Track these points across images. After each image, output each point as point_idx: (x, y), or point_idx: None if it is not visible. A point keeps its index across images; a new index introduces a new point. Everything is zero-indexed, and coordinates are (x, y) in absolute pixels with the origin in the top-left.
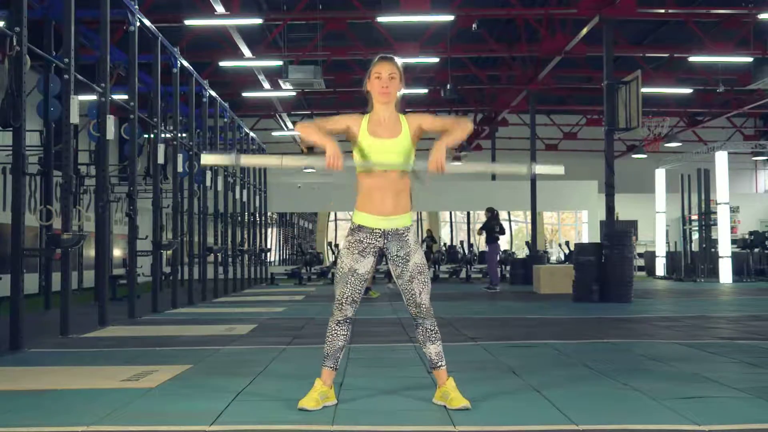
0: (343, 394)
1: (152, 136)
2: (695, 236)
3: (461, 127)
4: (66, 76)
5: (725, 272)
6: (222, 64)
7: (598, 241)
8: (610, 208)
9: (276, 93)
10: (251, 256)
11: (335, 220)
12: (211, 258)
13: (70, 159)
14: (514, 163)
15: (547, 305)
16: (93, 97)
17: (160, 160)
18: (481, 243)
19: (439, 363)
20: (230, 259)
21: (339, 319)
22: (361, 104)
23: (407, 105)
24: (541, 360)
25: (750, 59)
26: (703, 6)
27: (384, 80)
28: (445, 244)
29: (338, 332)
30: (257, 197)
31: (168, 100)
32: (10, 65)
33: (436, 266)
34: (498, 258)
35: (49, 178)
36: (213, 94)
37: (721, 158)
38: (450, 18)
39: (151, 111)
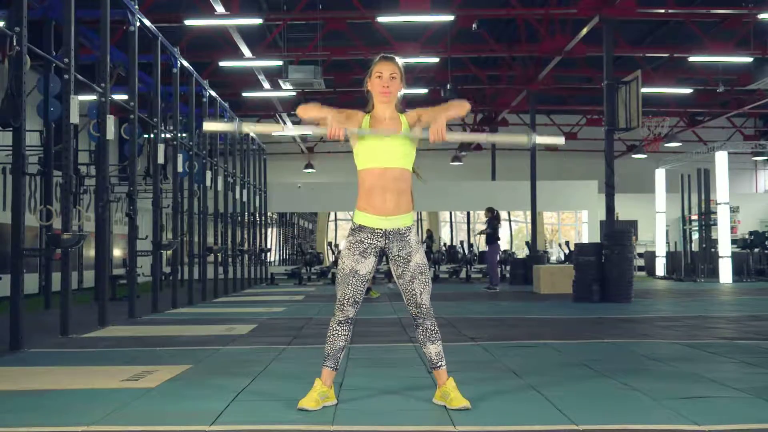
0: (343, 394)
1: (152, 136)
2: (695, 236)
3: (459, 104)
4: (66, 76)
5: (725, 272)
6: (222, 64)
7: (598, 241)
8: (610, 208)
9: (276, 93)
10: (251, 256)
11: (335, 220)
12: (211, 258)
13: (70, 159)
14: (514, 134)
15: (547, 305)
16: (93, 97)
17: (160, 160)
18: (481, 243)
19: (439, 363)
20: (230, 259)
21: (340, 319)
22: (361, 104)
23: (407, 105)
24: (541, 360)
25: (750, 59)
26: (703, 6)
27: (385, 80)
28: (444, 244)
29: (339, 332)
30: (257, 197)
31: (168, 100)
32: (10, 65)
33: (436, 266)
34: (498, 258)
35: (49, 178)
36: (213, 94)
37: (721, 158)
38: (450, 18)
39: (151, 111)
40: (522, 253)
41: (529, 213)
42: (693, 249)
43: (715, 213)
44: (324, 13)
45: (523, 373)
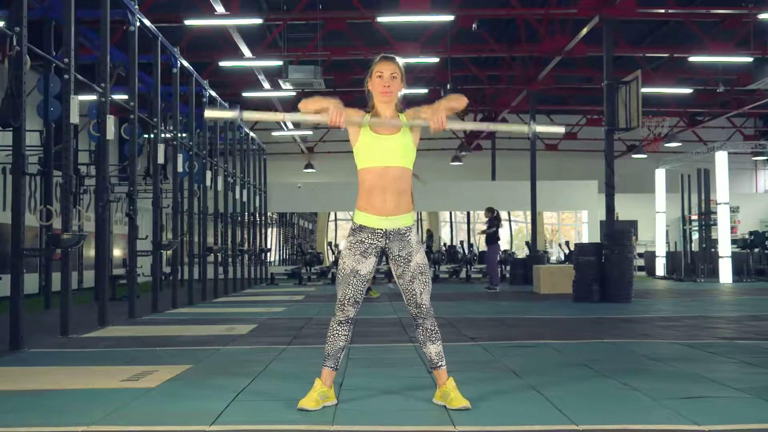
0: (343, 394)
1: (152, 136)
2: (695, 236)
3: (457, 97)
4: (66, 76)
5: (725, 272)
6: (222, 64)
7: (598, 241)
8: (610, 208)
9: (276, 93)
10: (251, 256)
11: (335, 220)
12: (211, 258)
13: (70, 159)
14: (515, 124)
15: (547, 305)
16: (93, 97)
17: (160, 160)
18: (480, 243)
19: (439, 363)
20: (230, 259)
21: (341, 319)
22: (361, 104)
23: (407, 105)
24: (541, 360)
25: (750, 59)
26: (703, 6)
27: (386, 79)
28: (444, 244)
29: (340, 332)
30: (257, 197)
31: (168, 100)
32: (10, 65)
33: (436, 266)
34: (498, 258)
35: (49, 178)
36: (213, 94)
37: (721, 158)
38: (450, 18)
39: (151, 111)
40: (522, 253)
41: (529, 213)
42: (693, 249)
43: (715, 213)
44: (324, 13)
45: (523, 373)
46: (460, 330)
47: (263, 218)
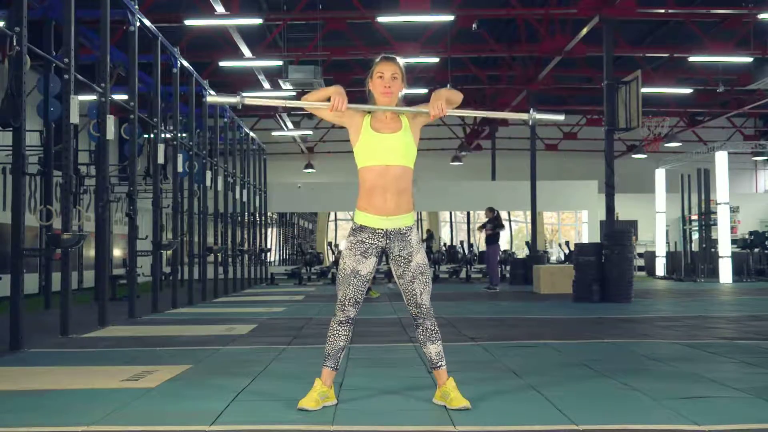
0: (343, 394)
1: (152, 136)
2: (695, 236)
3: (455, 91)
4: (66, 76)
5: (725, 272)
6: (222, 64)
7: (598, 241)
8: (610, 208)
9: (276, 93)
10: (251, 256)
11: (335, 220)
12: (211, 258)
13: (70, 159)
14: (514, 112)
15: (547, 305)
16: (93, 97)
17: (160, 160)
18: (481, 243)
19: (439, 363)
20: (230, 259)
21: (341, 319)
22: (361, 104)
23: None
24: (541, 360)
25: (750, 59)
26: (703, 6)
27: (386, 80)
28: (444, 244)
29: (340, 332)
30: (257, 197)
31: (168, 100)
32: (10, 65)
33: (436, 266)
34: (498, 258)
35: (49, 178)
36: (212, 93)
37: (721, 158)
38: (450, 18)
39: (151, 111)
40: (522, 253)
41: (529, 213)
42: (693, 249)
43: (715, 213)
44: (324, 13)
45: (523, 373)
46: (460, 330)
47: (263, 218)
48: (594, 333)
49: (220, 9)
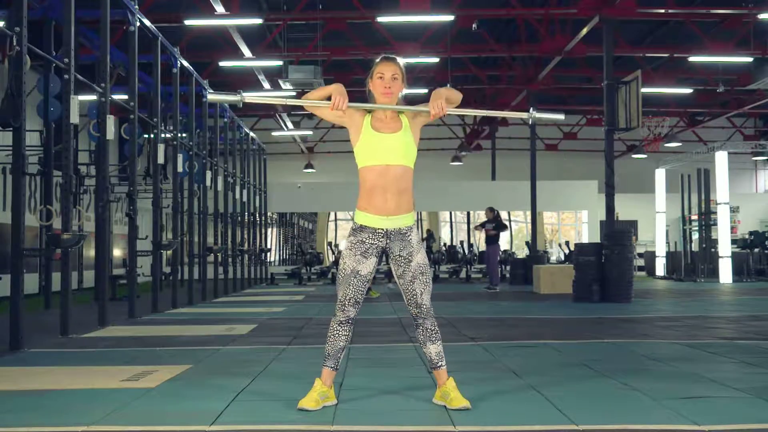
0: (343, 394)
1: (152, 136)
2: (695, 236)
3: (454, 91)
4: (66, 76)
5: (725, 272)
6: (222, 64)
7: (598, 241)
8: (610, 208)
9: (276, 93)
10: (251, 256)
11: (335, 220)
12: (211, 258)
13: (70, 159)
14: (515, 123)
15: (547, 305)
16: (93, 97)
17: (160, 160)
18: (480, 243)
19: (439, 363)
20: (230, 259)
21: (341, 319)
22: (361, 103)
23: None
24: (541, 360)
25: (750, 59)
26: (703, 6)
27: (387, 80)
28: (444, 244)
29: (340, 332)
30: (257, 197)
31: (168, 100)
32: (10, 65)
33: (436, 266)
34: (498, 258)
35: (49, 178)
36: (213, 92)
37: (721, 158)
38: (450, 18)
39: (151, 111)
40: (522, 253)
41: (529, 213)
42: (693, 249)
43: (715, 213)
44: (324, 13)
45: (523, 373)
46: (460, 330)
47: (263, 218)
48: (594, 333)
49: (220, 9)
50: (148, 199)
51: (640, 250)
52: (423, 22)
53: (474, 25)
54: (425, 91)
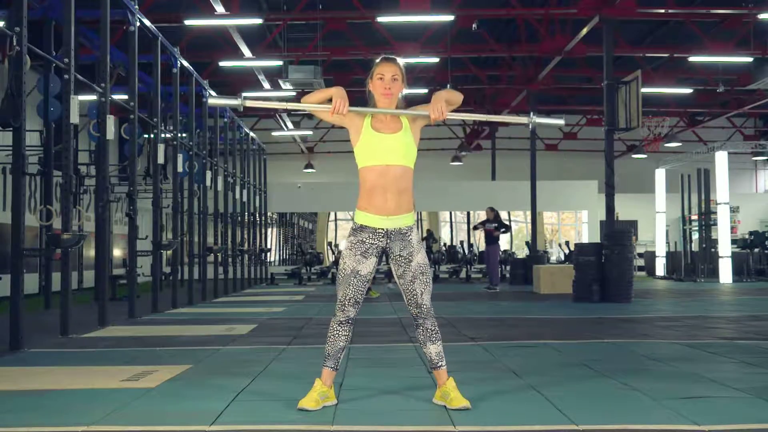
0: (343, 394)
1: (152, 136)
2: (695, 236)
3: (455, 92)
4: (66, 76)
5: (725, 272)
6: (222, 64)
7: (598, 241)
8: (610, 208)
9: (276, 93)
10: (251, 256)
11: (335, 220)
12: (211, 258)
13: (70, 159)
14: (515, 115)
15: (547, 305)
16: (93, 97)
17: (160, 160)
18: (480, 243)
19: (440, 363)
20: (230, 259)
21: (341, 319)
22: (361, 104)
23: (408, 104)
24: (541, 360)
25: (750, 59)
26: (703, 6)
27: (387, 81)
28: (444, 244)
29: (340, 333)
30: (257, 197)
31: (168, 100)
32: (10, 65)
33: (436, 266)
34: (498, 258)
35: (49, 178)
36: (213, 94)
37: (721, 158)
38: (450, 18)
39: (151, 111)
40: (522, 253)
41: (529, 213)
42: (693, 249)
43: (715, 213)
44: (324, 13)
45: (523, 373)
46: (460, 330)
47: (263, 218)
48: (594, 333)
49: (220, 9)
50: (148, 199)
51: (640, 250)
52: (423, 22)
53: (474, 25)
54: (425, 91)
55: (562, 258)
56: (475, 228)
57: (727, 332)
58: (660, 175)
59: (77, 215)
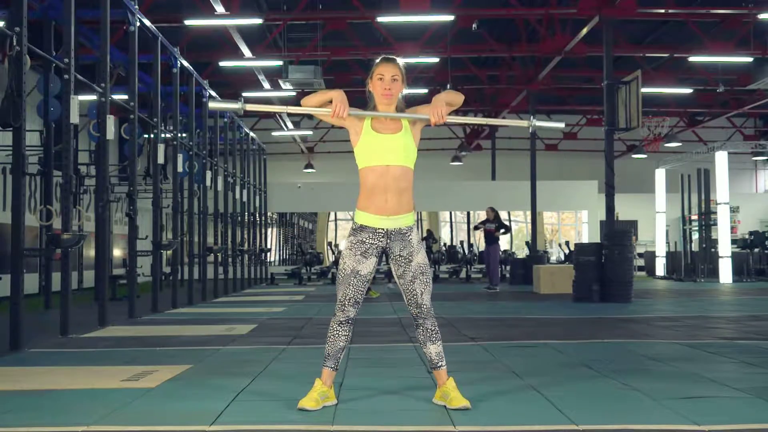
0: (343, 394)
1: (152, 136)
2: (695, 236)
3: (456, 94)
4: (66, 76)
5: (725, 272)
6: (222, 64)
7: (598, 241)
8: (610, 208)
9: (276, 93)
10: (251, 256)
11: (335, 220)
12: (211, 258)
13: (70, 159)
14: (515, 120)
15: (547, 305)
16: (93, 97)
17: (160, 160)
18: (480, 243)
19: (440, 363)
20: (230, 259)
21: (341, 319)
22: (361, 104)
23: (408, 104)
24: (541, 360)
25: (750, 59)
26: (703, 6)
27: (386, 82)
28: (444, 244)
29: (340, 333)
30: (257, 197)
31: (168, 100)
32: (10, 65)
33: (436, 266)
34: (498, 258)
35: (49, 178)
36: (213, 94)
37: (721, 158)
38: (450, 18)
39: (151, 111)
40: (522, 253)
41: (529, 213)
42: (693, 249)
43: (715, 213)
44: (324, 13)
45: (523, 373)
46: (460, 330)
47: (263, 218)
48: (594, 333)
49: (220, 9)
50: (148, 199)
51: (640, 250)
52: (423, 22)
53: (474, 25)
54: (425, 91)
55: (562, 258)
56: (476, 228)
57: (727, 332)
58: (660, 175)
59: (77, 215)
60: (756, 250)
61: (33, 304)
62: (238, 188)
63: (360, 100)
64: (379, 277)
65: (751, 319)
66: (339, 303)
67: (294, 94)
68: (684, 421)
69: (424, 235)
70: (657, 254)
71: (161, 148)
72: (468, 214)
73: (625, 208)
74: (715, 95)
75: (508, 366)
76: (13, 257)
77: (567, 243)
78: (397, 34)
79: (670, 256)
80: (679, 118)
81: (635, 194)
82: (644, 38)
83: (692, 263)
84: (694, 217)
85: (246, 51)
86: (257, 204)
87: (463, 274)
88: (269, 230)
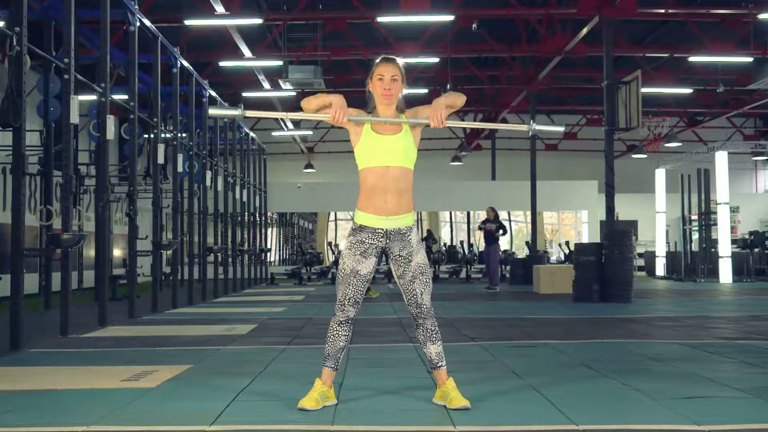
0: (343, 394)
1: (152, 136)
2: (695, 236)
3: (457, 95)
4: (66, 76)
5: (725, 272)
6: (222, 64)
7: (598, 241)
8: (610, 208)
9: (276, 93)
10: (251, 256)
11: (335, 220)
12: (211, 258)
13: (70, 159)
14: (515, 123)
15: (547, 305)
16: (93, 97)
17: (160, 160)
18: (480, 243)
19: (440, 363)
20: (230, 259)
21: (341, 319)
22: (361, 104)
23: (408, 104)
24: (541, 360)
25: (750, 59)
26: (703, 6)
27: (386, 82)
28: (444, 244)
29: (340, 333)
30: (257, 197)
31: (168, 100)
32: (10, 65)
33: (436, 266)
34: (498, 258)
35: (49, 178)
36: (213, 94)
37: (721, 158)
38: (450, 18)
39: (151, 111)
40: (522, 253)
41: (529, 213)
42: (693, 249)
43: (715, 213)
44: (324, 13)
45: (523, 373)
46: (460, 330)
47: (263, 218)
48: (594, 333)
49: (220, 9)
50: (148, 199)
51: (640, 250)
52: (423, 22)
53: (474, 25)
54: (425, 91)
55: (562, 258)
56: (480, 228)
57: (727, 332)
58: (660, 175)
59: (77, 215)
60: (756, 250)
61: (33, 304)
62: (238, 188)
63: (360, 100)
64: (379, 277)
65: (751, 319)
66: (339, 303)
67: (294, 94)
68: (684, 421)
69: (424, 235)
70: (657, 254)
71: (161, 148)
72: (468, 214)
73: (625, 208)
74: (715, 95)
75: (508, 366)
76: (13, 257)
77: (567, 243)
78: (397, 34)
79: (670, 256)
80: (679, 118)
81: (635, 194)
82: (644, 38)
83: (692, 263)
84: (694, 217)
85: (246, 51)
86: (257, 204)
87: (463, 274)
88: (269, 230)
